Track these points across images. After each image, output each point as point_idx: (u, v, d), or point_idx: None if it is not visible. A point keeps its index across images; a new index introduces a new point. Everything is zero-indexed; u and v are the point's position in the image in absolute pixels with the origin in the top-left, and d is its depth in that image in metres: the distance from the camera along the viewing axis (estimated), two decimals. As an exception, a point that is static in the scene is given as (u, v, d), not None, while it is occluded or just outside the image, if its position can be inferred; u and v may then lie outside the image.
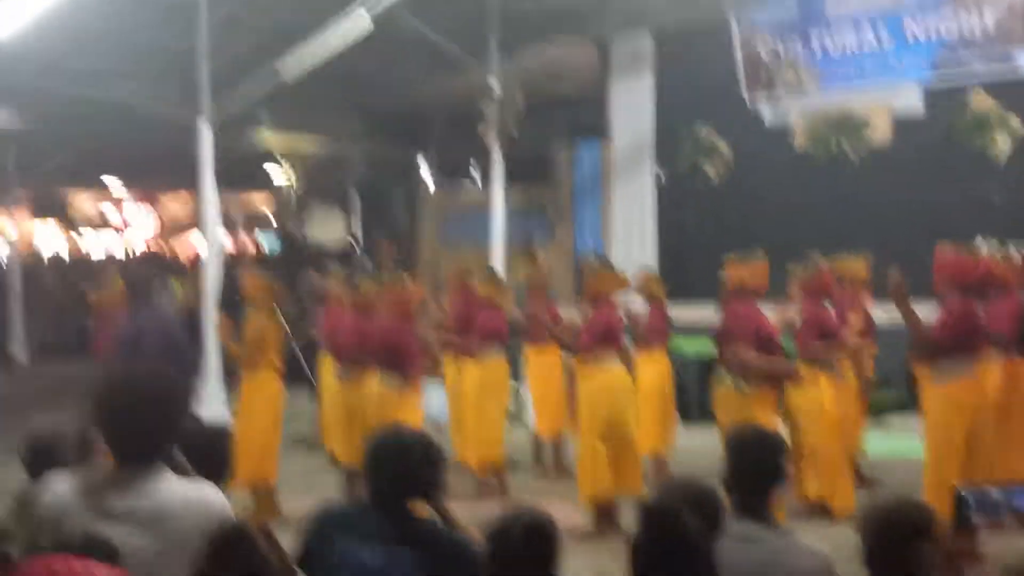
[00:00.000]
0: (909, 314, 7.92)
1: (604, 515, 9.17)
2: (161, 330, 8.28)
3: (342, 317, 10.59)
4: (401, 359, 9.01)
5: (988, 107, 15.91)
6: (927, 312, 8.18)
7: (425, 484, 4.08)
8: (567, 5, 17.29)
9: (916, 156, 16.38)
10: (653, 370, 10.72)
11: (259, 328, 9.88)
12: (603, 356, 8.99)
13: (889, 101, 16.83)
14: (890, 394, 13.22)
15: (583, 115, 21.43)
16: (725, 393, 8.26)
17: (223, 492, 3.94)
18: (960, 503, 3.35)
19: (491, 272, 11.86)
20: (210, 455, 4.34)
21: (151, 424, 3.59)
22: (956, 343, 7.83)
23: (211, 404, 14.56)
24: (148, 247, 33.49)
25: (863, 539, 3.74)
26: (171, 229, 34.38)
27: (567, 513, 9.50)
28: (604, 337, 8.99)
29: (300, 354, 13.57)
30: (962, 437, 7.77)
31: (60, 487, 3.62)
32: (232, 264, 24.47)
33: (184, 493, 3.61)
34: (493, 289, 11.07)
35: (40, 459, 4.52)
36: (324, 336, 11.36)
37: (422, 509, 4.14)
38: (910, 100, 16.63)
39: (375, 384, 9.22)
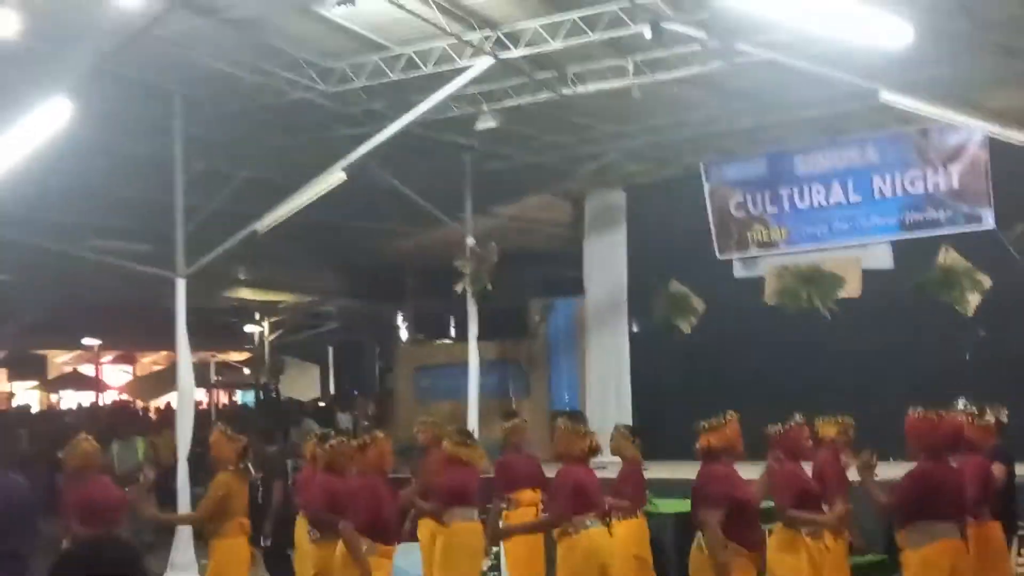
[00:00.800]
0: (872, 490, 8.05)
1: None
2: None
3: (314, 477, 10.45)
4: (373, 520, 8.81)
5: (956, 263, 16.11)
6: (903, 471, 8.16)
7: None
8: (540, 162, 17.55)
9: (886, 309, 16.51)
10: (629, 531, 10.55)
11: (224, 487, 9.70)
12: (578, 519, 8.79)
13: (858, 256, 17.03)
14: (872, 558, 13.00)
15: (558, 270, 21.62)
16: (699, 557, 8.12)
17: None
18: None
19: (462, 432, 11.67)
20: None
21: None
22: (920, 506, 7.79)
23: (181, 570, 14.33)
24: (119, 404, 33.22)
25: None
26: (148, 387, 34.16)
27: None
28: (576, 498, 8.79)
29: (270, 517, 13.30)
30: None
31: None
32: (206, 421, 24.31)
33: None
34: (464, 450, 10.88)
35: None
36: (299, 497, 11.15)
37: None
38: (879, 255, 16.83)
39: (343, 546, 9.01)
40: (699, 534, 7.97)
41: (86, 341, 31.75)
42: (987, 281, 15.88)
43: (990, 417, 9.11)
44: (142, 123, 14.63)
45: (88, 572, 3.52)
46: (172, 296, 14.98)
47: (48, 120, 11.61)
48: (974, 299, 15.98)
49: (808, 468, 9.11)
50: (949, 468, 7.98)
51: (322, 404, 30.17)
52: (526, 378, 21.22)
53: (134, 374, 36.97)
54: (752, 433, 8.47)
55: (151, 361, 36.90)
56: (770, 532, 8.59)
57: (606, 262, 19.50)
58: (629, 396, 19.11)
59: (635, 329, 19.48)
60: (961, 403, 9.17)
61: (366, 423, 22.65)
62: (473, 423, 16.56)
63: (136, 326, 27.86)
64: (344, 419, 23.03)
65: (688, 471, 8.52)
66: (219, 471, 9.70)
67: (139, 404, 32.33)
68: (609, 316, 19.47)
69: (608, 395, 19.25)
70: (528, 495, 11.20)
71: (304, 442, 12.05)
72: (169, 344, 16.05)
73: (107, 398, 34.23)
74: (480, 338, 17.72)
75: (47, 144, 11.91)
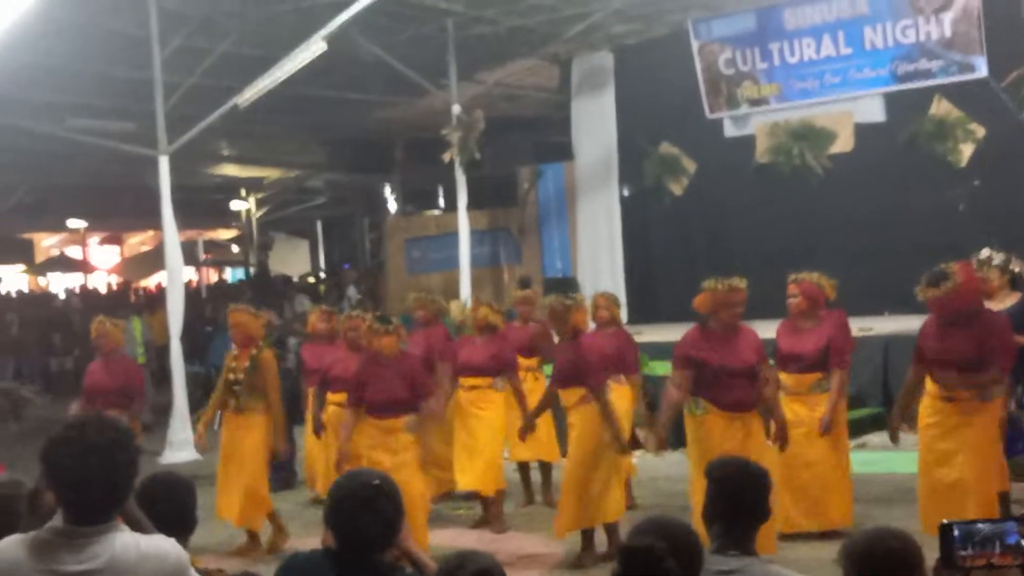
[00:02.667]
0: None
1: (588, 543, 9.00)
2: None
3: (336, 353, 10.33)
4: (420, 394, 8.84)
5: (949, 113, 15.94)
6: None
7: (392, 531, 3.97)
8: (525, 26, 17.24)
9: (879, 163, 16.38)
10: (619, 396, 10.52)
11: (274, 364, 9.69)
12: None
13: (850, 110, 16.85)
14: (866, 411, 13.09)
15: (546, 135, 21.41)
16: (688, 419, 8.18)
17: (186, 545, 3.81)
18: (947, 537, 3.23)
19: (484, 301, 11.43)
20: (172, 508, 4.20)
21: (98, 477, 3.46)
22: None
23: (178, 448, 14.40)
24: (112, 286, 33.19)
25: (845, 571, 3.66)
26: (136, 267, 34.11)
27: (545, 543, 9.41)
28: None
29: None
30: None
31: (11, 552, 3.48)
32: (199, 297, 24.32)
33: (138, 548, 3.47)
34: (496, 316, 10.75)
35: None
36: (314, 372, 10.95)
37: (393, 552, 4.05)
38: (871, 108, 16.65)
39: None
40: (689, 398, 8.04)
41: (72, 223, 31.54)
42: (980, 131, 15.71)
43: (1015, 267, 9.06)
44: (116, -2, 14.34)
45: (78, 450, 3.46)
46: (156, 175, 14.84)
47: (19, -3, 11.34)
48: (967, 149, 15.83)
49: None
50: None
51: (321, 276, 30.16)
52: (517, 246, 21.17)
53: (122, 255, 36.90)
54: (752, 294, 8.41)
55: (139, 241, 36.81)
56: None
57: (595, 126, 19.28)
58: (621, 260, 19.05)
59: (626, 193, 19.35)
60: (986, 252, 9.06)
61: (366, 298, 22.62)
62: (465, 292, 16.56)
63: (122, 206, 27.72)
64: (352, 293, 22.90)
65: (680, 332, 8.52)
66: (247, 349, 9.63)
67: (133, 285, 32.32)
68: (599, 181, 19.32)
69: (600, 260, 19.20)
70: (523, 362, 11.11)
71: (307, 316, 12.02)
72: (156, 223, 15.95)
73: (96, 279, 34.22)
74: (470, 207, 17.63)
75: (19, 23, 11.65)
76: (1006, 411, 8.32)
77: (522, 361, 10.82)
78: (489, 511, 10.24)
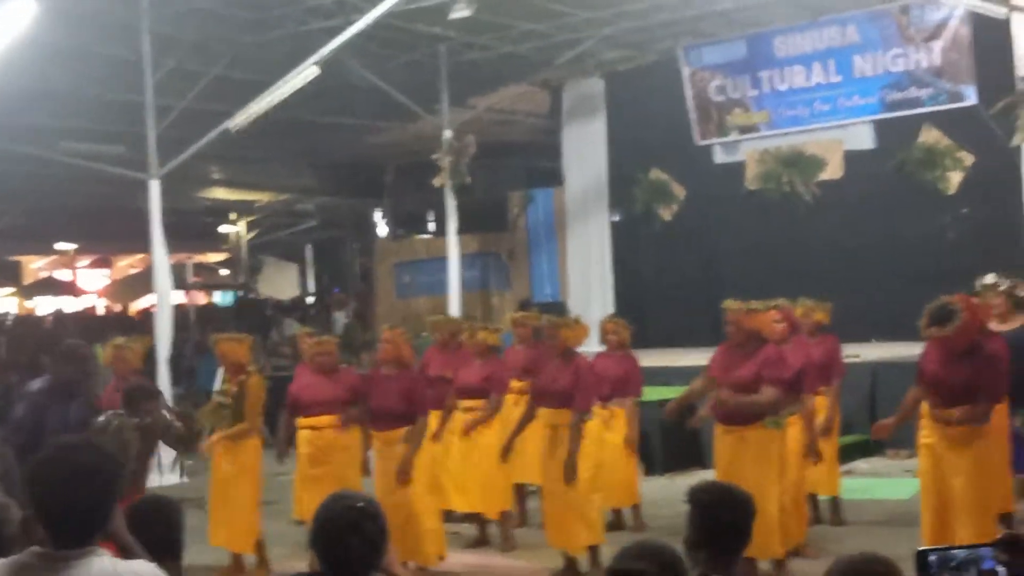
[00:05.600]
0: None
1: (569, 566, 9.03)
2: None
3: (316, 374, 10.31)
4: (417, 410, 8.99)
5: (938, 141, 16.00)
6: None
7: (377, 554, 3.96)
8: (517, 52, 17.31)
9: (868, 191, 16.46)
10: (618, 418, 10.55)
11: (261, 388, 9.69)
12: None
13: (840, 137, 16.91)
14: (853, 438, 13.08)
15: (537, 160, 21.47)
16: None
17: (179, 569, 3.81)
18: (923, 564, 3.23)
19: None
20: (160, 532, 4.20)
21: (81, 500, 3.46)
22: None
23: (165, 472, 14.30)
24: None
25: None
26: (125, 290, 33.97)
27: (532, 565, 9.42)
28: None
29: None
30: None
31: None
32: (186, 321, 24.26)
33: (115, 572, 3.45)
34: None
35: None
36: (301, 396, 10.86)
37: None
38: (860, 136, 16.71)
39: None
40: None
41: (61, 246, 31.50)
42: (969, 159, 15.77)
43: (1021, 291, 9.11)
44: (109, 22, 14.38)
45: (62, 474, 3.47)
46: (146, 198, 14.85)
47: (12, 22, 11.36)
48: (956, 177, 15.89)
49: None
50: None
51: (310, 300, 30.12)
52: (507, 270, 21.19)
53: (111, 278, 36.80)
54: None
55: (128, 264, 36.69)
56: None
57: (585, 151, 19.34)
58: (611, 286, 19.08)
59: (616, 218, 19.40)
60: (991, 277, 9.11)
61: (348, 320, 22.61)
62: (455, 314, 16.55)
63: (111, 229, 27.64)
64: (340, 317, 22.90)
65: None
66: (237, 375, 9.62)
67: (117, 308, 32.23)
68: (589, 206, 19.37)
69: (590, 285, 19.23)
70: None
71: (293, 340, 11.96)
72: (145, 247, 15.93)
73: (85, 303, 34.10)
74: (460, 232, 17.65)
75: (12, 47, 11.67)
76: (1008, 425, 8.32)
77: (517, 384, 10.81)
78: (499, 529, 10.27)
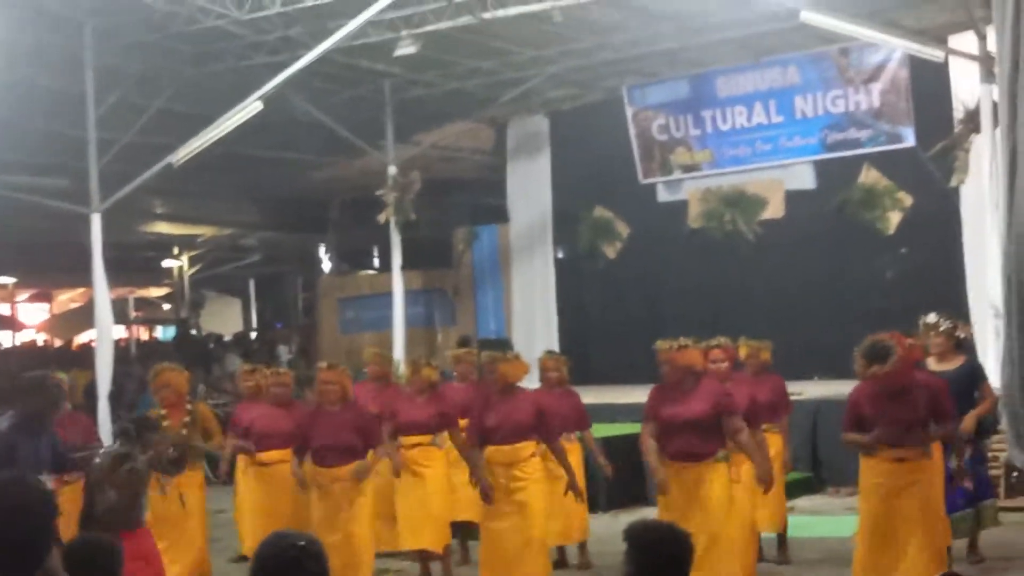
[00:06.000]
0: None
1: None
2: None
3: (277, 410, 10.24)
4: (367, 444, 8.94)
5: (877, 182, 16.21)
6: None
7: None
8: (461, 89, 17.37)
9: (809, 230, 16.63)
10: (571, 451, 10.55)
11: (203, 416, 9.60)
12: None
13: (781, 177, 17.09)
14: (796, 476, 13.12)
15: (481, 197, 21.51)
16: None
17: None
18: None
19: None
20: (96, 572, 4.15)
21: (14, 538, 3.41)
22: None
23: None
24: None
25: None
26: (66, 325, 33.57)
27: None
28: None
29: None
30: None
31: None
32: (127, 356, 24.01)
33: None
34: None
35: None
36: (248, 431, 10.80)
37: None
38: (801, 176, 16.90)
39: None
40: None
41: (0, 280, 31.09)
42: (908, 199, 16.00)
43: (961, 332, 9.23)
44: (52, 54, 14.27)
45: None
46: (88, 232, 14.72)
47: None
48: (895, 217, 16.10)
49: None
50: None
51: (253, 335, 29.90)
52: (452, 307, 21.18)
53: (51, 312, 36.36)
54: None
55: (68, 298, 36.27)
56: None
57: (530, 189, 19.44)
58: (555, 322, 19.13)
59: (560, 255, 19.49)
60: (933, 317, 9.21)
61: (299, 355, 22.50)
62: (399, 354, 16.48)
63: (52, 263, 27.32)
64: (283, 352, 22.78)
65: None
66: (176, 407, 9.49)
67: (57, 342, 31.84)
68: (534, 243, 19.45)
69: (535, 322, 19.26)
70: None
71: (235, 375, 11.86)
72: (86, 281, 15.79)
73: (24, 337, 33.65)
74: (404, 268, 17.65)
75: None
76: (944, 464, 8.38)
77: (460, 422, 10.77)
78: (441, 563, 10.20)
